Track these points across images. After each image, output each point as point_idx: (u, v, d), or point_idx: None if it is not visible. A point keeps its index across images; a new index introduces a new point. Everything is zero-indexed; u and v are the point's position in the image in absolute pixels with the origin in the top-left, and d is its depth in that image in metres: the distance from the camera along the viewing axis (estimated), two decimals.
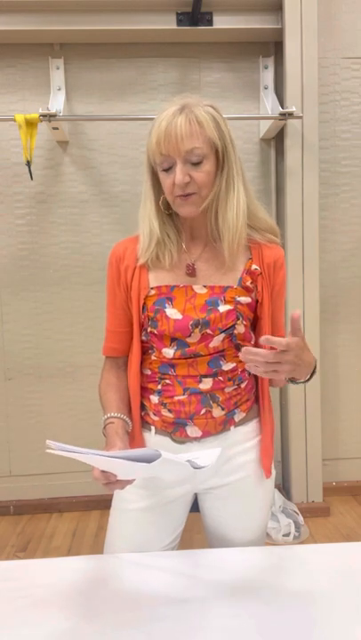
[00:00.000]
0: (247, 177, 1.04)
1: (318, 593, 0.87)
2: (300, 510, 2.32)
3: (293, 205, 2.27)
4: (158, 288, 1.02)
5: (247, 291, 1.02)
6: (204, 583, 0.90)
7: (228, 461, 1.06)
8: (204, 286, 1.02)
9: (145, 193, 1.04)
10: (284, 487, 2.51)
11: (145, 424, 1.09)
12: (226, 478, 1.06)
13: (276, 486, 2.51)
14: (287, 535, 2.17)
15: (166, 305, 1.00)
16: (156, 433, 1.07)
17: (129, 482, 0.88)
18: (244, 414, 1.07)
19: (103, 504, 2.39)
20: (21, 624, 0.81)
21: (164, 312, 1.00)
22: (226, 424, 1.05)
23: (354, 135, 2.41)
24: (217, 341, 1.00)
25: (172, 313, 1.00)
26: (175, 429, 1.04)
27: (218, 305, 1.00)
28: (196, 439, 1.04)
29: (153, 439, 1.07)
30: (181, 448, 1.04)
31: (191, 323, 0.99)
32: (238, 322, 1.00)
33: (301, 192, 2.26)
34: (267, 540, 2.16)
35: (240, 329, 1.01)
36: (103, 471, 0.83)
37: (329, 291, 2.46)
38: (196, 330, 0.99)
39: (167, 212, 1.03)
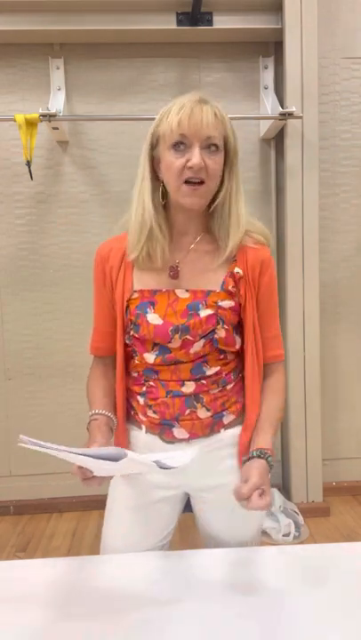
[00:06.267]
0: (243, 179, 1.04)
1: (318, 593, 0.87)
2: (300, 510, 2.32)
3: (293, 205, 2.27)
4: (141, 292, 1.01)
5: (230, 294, 1.01)
6: (203, 583, 0.90)
7: (219, 463, 1.05)
8: (187, 290, 1.01)
9: (141, 181, 0.99)
10: (284, 487, 2.51)
11: (136, 423, 1.09)
12: (217, 480, 1.05)
13: (276, 486, 2.51)
14: (287, 535, 2.17)
15: (148, 309, 0.99)
16: (146, 432, 1.06)
17: (104, 479, 0.88)
18: (233, 416, 1.05)
19: (103, 504, 2.37)
20: (21, 624, 0.81)
21: (145, 317, 0.99)
22: (214, 426, 1.03)
23: (354, 135, 2.41)
24: (198, 347, 0.99)
25: (153, 318, 0.99)
26: (162, 431, 1.03)
27: (199, 309, 0.98)
28: (184, 440, 1.03)
29: (143, 438, 1.07)
30: (172, 447, 1.03)
31: (171, 329, 0.98)
32: (218, 326, 0.99)
33: (301, 192, 2.26)
34: (267, 540, 2.16)
35: (221, 333, 0.99)
36: (80, 467, 0.84)
37: (329, 291, 2.46)
38: (177, 336, 0.98)
39: (162, 203, 1.00)
